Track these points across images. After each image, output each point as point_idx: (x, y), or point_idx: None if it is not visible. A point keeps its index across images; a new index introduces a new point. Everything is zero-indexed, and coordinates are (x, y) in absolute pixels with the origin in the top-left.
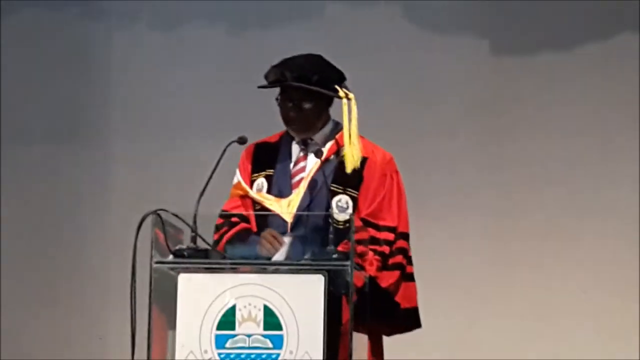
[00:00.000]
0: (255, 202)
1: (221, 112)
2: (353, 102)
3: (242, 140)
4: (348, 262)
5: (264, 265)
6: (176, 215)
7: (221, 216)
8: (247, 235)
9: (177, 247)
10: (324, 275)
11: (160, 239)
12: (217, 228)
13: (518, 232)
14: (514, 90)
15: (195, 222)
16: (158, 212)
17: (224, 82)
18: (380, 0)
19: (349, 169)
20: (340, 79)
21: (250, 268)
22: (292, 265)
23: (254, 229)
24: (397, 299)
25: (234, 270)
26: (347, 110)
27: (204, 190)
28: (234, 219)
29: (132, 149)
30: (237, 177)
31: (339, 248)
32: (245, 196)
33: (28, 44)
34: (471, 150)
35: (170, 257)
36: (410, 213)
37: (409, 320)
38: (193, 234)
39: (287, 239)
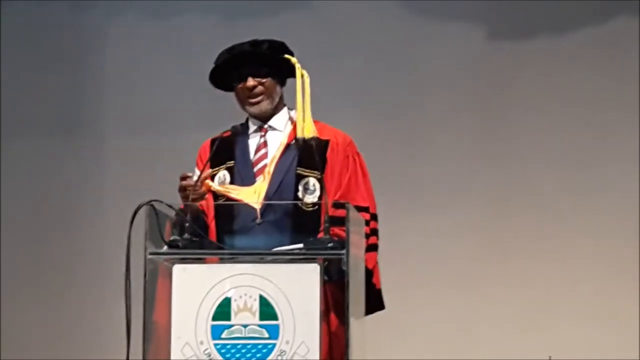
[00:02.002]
0: (218, 196)
1: (214, 103)
2: (307, 79)
3: (234, 130)
4: (344, 251)
5: (259, 255)
6: (170, 206)
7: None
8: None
9: (171, 238)
10: (320, 264)
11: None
12: (173, 225)
13: (513, 225)
14: (511, 79)
15: (189, 212)
16: (152, 202)
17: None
18: None
19: (299, 141)
20: (288, 51)
21: (245, 258)
22: (288, 255)
23: (212, 227)
24: (374, 279)
25: (229, 260)
26: (301, 86)
27: (197, 181)
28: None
29: (126, 141)
30: (197, 174)
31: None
32: (207, 191)
33: (20, 38)
34: (467, 140)
35: (165, 248)
36: (405, 205)
37: (380, 301)
38: (187, 224)
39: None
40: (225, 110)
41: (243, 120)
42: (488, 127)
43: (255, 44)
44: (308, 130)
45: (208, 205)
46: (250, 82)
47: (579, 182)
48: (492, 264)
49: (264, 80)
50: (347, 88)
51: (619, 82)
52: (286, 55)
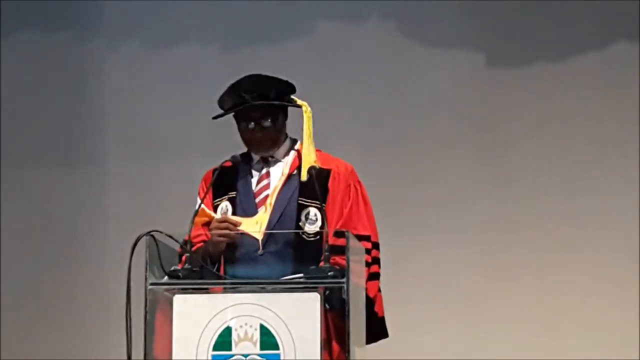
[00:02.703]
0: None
1: (216, 131)
2: (310, 114)
3: (235, 160)
4: (344, 280)
5: (260, 284)
6: (170, 236)
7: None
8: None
9: (172, 268)
10: (320, 293)
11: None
12: (180, 257)
13: (515, 244)
14: (510, 103)
15: (190, 243)
16: (152, 233)
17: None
18: (372, 16)
19: (303, 176)
20: (292, 90)
21: (246, 287)
22: (288, 284)
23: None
24: (376, 308)
25: (229, 290)
26: (306, 119)
27: (197, 211)
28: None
29: (128, 170)
30: (200, 205)
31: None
32: (209, 222)
33: (23, 67)
34: (468, 163)
35: (165, 279)
36: (406, 226)
37: (382, 329)
38: (188, 254)
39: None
40: (226, 139)
41: (243, 149)
42: (488, 151)
43: (262, 95)
44: (310, 162)
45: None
46: (256, 131)
47: (578, 203)
48: (495, 285)
49: (269, 127)
50: (346, 113)
51: (619, 106)
52: (292, 97)
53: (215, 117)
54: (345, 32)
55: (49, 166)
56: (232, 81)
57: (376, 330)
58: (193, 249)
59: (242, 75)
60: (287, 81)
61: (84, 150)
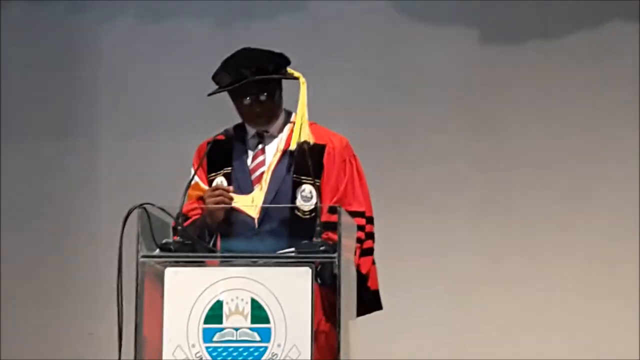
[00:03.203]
0: None
1: (208, 106)
2: (302, 80)
3: (228, 133)
4: (335, 254)
5: (251, 258)
6: (162, 209)
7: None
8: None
9: (163, 241)
10: (311, 268)
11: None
12: (175, 231)
13: (509, 227)
14: (505, 81)
15: (181, 215)
16: (144, 205)
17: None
18: None
19: (292, 146)
20: (287, 62)
21: (237, 261)
22: (279, 258)
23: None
24: (369, 282)
25: (221, 263)
26: (301, 92)
27: (189, 184)
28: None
29: (120, 144)
30: (194, 178)
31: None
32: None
33: (15, 40)
34: (462, 143)
35: (157, 251)
36: (400, 207)
37: (376, 302)
38: (180, 227)
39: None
40: (220, 112)
41: (237, 122)
42: (482, 129)
43: (260, 69)
44: (305, 138)
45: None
46: (254, 105)
47: (574, 185)
48: (487, 265)
49: (267, 101)
50: (339, 90)
51: (614, 85)
52: (290, 71)
53: (210, 94)
54: (339, 9)
55: (41, 139)
56: (226, 56)
57: (370, 303)
58: (188, 222)
59: (235, 50)
60: (281, 54)
61: (76, 123)
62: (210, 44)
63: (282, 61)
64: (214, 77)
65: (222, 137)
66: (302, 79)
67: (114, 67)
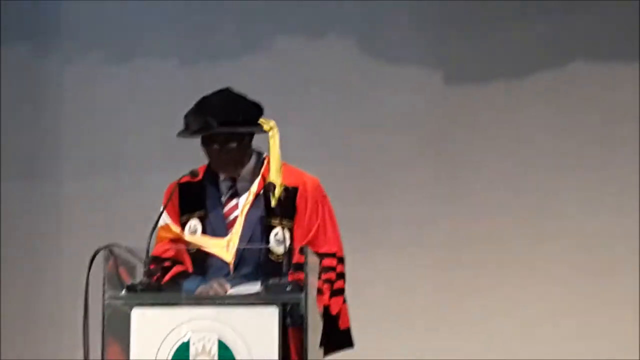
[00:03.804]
0: (188, 244)
1: (173, 146)
2: (275, 130)
3: (193, 174)
4: (302, 294)
5: (218, 299)
6: (128, 250)
7: (154, 262)
8: (184, 278)
9: (129, 282)
10: (278, 308)
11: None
12: (151, 273)
13: (474, 262)
14: (469, 120)
15: (147, 256)
16: (110, 247)
17: (177, 115)
18: (331, 32)
19: (274, 202)
20: (259, 111)
21: (204, 302)
22: (247, 298)
23: (190, 269)
24: (340, 322)
25: (187, 304)
26: (272, 142)
27: (155, 224)
28: (166, 264)
29: (84, 185)
30: (165, 220)
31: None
32: (175, 239)
33: None
34: (427, 180)
35: (123, 292)
36: (363, 243)
37: (346, 340)
38: (145, 268)
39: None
40: (185, 152)
41: (204, 162)
42: (447, 169)
43: (228, 121)
44: (278, 191)
45: (182, 253)
46: (221, 153)
47: (539, 224)
48: (455, 301)
49: (233, 150)
50: (304, 129)
51: (576, 122)
52: (262, 121)
53: (179, 135)
54: (304, 47)
55: (6, 179)
56: (198, 94)
57: (340, 341)
58: (167, 277)
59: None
60: (255, 103)
61: (41, 164)
62: (175, 84)
63: (253, 111)
64: (184, 118)
65: (193, 179)
66: (272, 133)
67: (78, 107)
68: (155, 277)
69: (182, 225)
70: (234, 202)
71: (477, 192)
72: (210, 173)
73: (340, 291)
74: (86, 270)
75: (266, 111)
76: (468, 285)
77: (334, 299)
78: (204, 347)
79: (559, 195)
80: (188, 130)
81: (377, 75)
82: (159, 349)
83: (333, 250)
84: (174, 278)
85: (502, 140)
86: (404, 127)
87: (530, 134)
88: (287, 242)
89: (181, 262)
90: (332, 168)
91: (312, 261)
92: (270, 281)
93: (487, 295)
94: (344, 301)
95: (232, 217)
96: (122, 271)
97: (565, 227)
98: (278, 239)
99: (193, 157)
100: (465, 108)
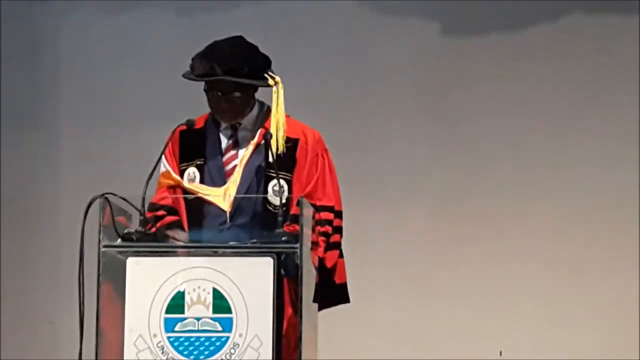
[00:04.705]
0: (187, 192)
1: (171, 96)
2: (280, 85)
3: (189, 123)
4: (297, 245)
5: (213, 248)
6: (124, 199)
7: (150, 209)
8: (175, 229)
9: (125, 231)
10: (273, 258)
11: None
12: (147, 222)
13: (468, 214)
14: (464, 72)
15: (143, 205)
16: (106, 195)
17: (174, 67)
18: None
19: (273, 152)
20: (267, 64)
21: (199, 251)
22: (242, 249)
23: (184, 220)
24: (335, 276)
25: (183, 254)
26: (276, 97)
27: (151, 173)
28: (160, 212)
29: (82, 134)
30: (165, 166)
31: (285, 229)
32: (175, 186)
33: None
34: (422, 132)
35: (119, 241)
36: (359, 195)
37: (342, 295)
38: (141, 217)
39: None
40: (184, 102)
41: (204, 111)
42: (443, 121)
43: (233, 70)
44: (281, 145)
45: (178, 201)
46: (222, 101)
47: (533, 171)
48: (446, 252)
49: (235, 100)
50: (300, 81)
51: (574, 76)
52: (268, 75)
53: (184, 76)
54: (299, 2)
55: (5, 130)
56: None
57: (336, 296)
58: (161, 223)
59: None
60: (265, 55)
61: (37, 114)
62: (172, 35)
63: (261, 64)
64: (191, 60)
65: (195, 126)
66: (275, 88)
67: (76, 58)
68: (149, 226)
69: (181, 173)
70: (233, 151)
71: (472, 144)
72: (212, 121)
73: (337, 245)
74: (82, 219)
75: None
76: (460, 239)
77: (329, 252)
78: (199, 296)
79: (558, 147)
80: (192, 73)
81: (372, 27)
82: (154, 298)
83: (331, 203)
84: (165, 227)
85: (498, 92)
86: (399, 79)
87: (527, 85)
88: (285, 193)
89: (176, 212)
90: (328, 120)
91: (309, 213)
92: (266, 232)
93: (481, 249)
94: (341, 255)
95: (230, 166)
96: (121, 219)
97: (562, 181)
98: (276, 189)
99: (192, 106)
100: (463, 60)
